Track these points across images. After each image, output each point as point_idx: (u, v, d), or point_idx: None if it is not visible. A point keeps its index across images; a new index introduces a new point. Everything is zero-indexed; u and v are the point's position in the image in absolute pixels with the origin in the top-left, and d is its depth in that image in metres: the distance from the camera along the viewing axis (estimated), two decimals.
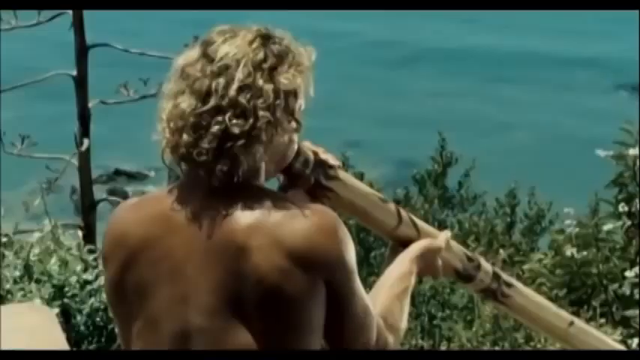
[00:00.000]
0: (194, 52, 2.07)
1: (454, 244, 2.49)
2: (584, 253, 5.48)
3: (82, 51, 8.31)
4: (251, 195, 2.01)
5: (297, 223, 1.97)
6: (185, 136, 1.99)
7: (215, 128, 1.97)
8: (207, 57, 2.03)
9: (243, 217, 1.98)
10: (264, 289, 1.95)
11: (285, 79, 2.03)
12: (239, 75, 2.00)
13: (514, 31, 23.65)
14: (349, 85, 21.13)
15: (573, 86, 21.64)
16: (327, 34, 19.95)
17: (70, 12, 8.22)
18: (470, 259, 2.49)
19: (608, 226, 5.50)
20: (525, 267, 6.04)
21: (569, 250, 5.48)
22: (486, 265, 2.53)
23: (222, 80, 2.00)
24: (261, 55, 2.02)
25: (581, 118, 20.24)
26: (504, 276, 2.57)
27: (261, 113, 1.99)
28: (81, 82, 8.36)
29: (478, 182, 10.40)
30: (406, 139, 18.86)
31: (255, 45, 2.03)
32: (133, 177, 19.12)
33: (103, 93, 8.67)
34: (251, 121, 1.98)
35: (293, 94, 2.04)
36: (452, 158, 10.20)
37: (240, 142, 1.98)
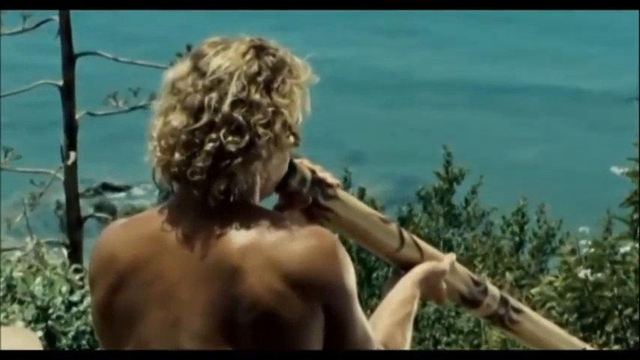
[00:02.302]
0: (184, 66, 2.06)
1: (459, 266, 2.48)
2: (599, 275, 5.46)
3: (69, 59, 8.32)
4: (246, 214, 2.00)
5: (294, 244, 1.96)
6: (177, 155, 1.98)
7: (209, 146, 1.96)
8: (198, 70, 2.02)
9: (238, 238, 1.97)
10: (259, 313, 1.94)
11: (281, 92, 2.02)
12: (232, 89, 1.99)
13: (513, 59, 24.00)
14: (350, 100, 21.27)
15: (585, 99, 21.79)
16: (325, 60, 20.21)
17: (57, 19, 8.22)
18: (476, 282, 2.49)
19: (625, 248, 5.49)
20: (534, 290, 6.03)
21: (582, 272, 5.46)
22: (493, 290, 2.52)
23: (214, 95, 1.99)
24: (255, 68, 2.01)
25: (595, 132, 20.29)
26: (512, 301, 2.56)
27: (260, 130, 1.98)
28: (68, 92, 8.36)
29: (485, 199, 10.38)
30: (409, 154, 18.88)
31: (248, 57, 2.02)
32: (122, 191, 19.14)
33: (90, 104, 8.67)
34: (247, 137, 1.97)
35: (290, 107, 2.03)
36: (458, 174, 10.18)
37: (238, 160, 1.97)
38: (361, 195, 9.93)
